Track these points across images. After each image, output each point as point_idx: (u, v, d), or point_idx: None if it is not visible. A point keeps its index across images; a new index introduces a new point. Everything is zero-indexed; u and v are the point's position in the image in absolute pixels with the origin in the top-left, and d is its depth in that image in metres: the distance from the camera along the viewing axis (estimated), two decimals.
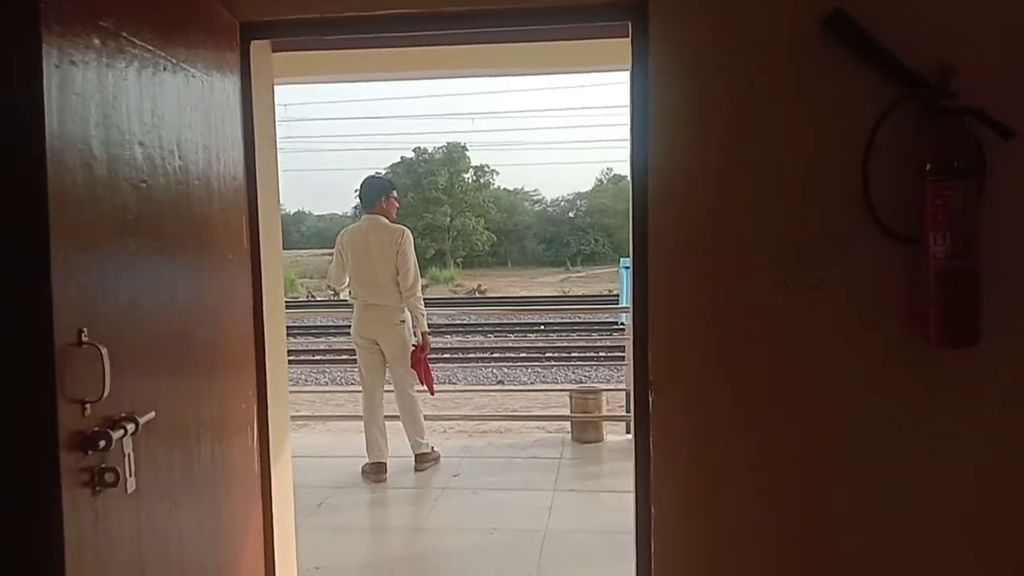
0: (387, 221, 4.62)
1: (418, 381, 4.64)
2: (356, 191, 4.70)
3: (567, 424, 5.58)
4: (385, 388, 4.73)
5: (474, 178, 43.36)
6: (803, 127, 2.03)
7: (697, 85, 2.07)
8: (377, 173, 4.97)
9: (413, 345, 4.61)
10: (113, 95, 1.56)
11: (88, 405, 1.43)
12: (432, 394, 4.86)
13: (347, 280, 4.69)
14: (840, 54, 1.98)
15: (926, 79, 1.94)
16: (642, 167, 2.12)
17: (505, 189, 46.44)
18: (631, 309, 2.25)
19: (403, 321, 4.59)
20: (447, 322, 16.68)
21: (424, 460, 4.71)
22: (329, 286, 4.97)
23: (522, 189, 48.14)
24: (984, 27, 1.97)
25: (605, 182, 45.34)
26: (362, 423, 4.68)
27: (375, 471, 4.56)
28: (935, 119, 1.93)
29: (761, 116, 2.05)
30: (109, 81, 1.54)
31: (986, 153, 1.95)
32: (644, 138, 2.11)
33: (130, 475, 1.56)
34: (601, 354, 12.94)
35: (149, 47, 1.70)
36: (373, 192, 4.68)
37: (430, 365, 4.74)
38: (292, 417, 4.82)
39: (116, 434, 1.48)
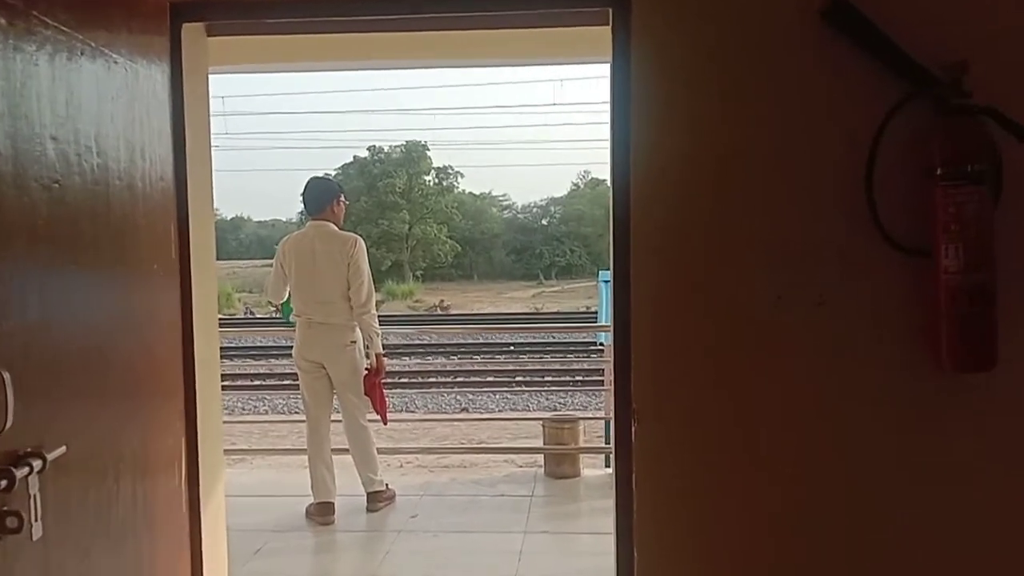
0: (336, 228, 4.59)
1: (371, 409, 4.60)
2: (301, 194, 4.66)
3: (539, 457, 5.57)
4: (333, 418, 4.68)
5: (436, 181, 43.40)
6: (802, 128, 2.06)
7: (685, 80, 2.09)
8: (326, 174, 4.93)
9: (366, 369, 4.57)
10: (21, 82, 1.52)
11: None
12: (385, 423, 4.82)
13: (287, 295, 4.63)
14: (842, 48, 2.01)
15: (936, 75, 1.97)
16: (623, 170, 2.13)
17: (471, 193, 46.59)
18: (611, 328, 2.26)
19: (354, 342, 4.55)
20: (405, 342, 16.60)
21: (377, 499, 4.66)
22: (269, 301, 4.89)
23: (490, 193, 48.34)
24: (999, 20, 2.01)
25: (582, 186, 45.73)
26: (306, 458, 4.62)
27: (321, 512, 4.49)
28: (946, 119, 1.96)
29: (755, 115, 2.07)
30: (17, 66, 1.51)
31: (1002, 157, 1.98)
32: (626, 138, 2.12)
33: (36, 519, 1.51)
34: (578, 378, 12.98)
35: (64, 28, 1.67)
36: (321, 195, 4.63)
37: (385, 391, 4.70)
38: (227, 451, 4.75)
39: (20, 472, 1.44)
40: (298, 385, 4.72)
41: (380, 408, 4.62)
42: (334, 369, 4.54)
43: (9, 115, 1.48)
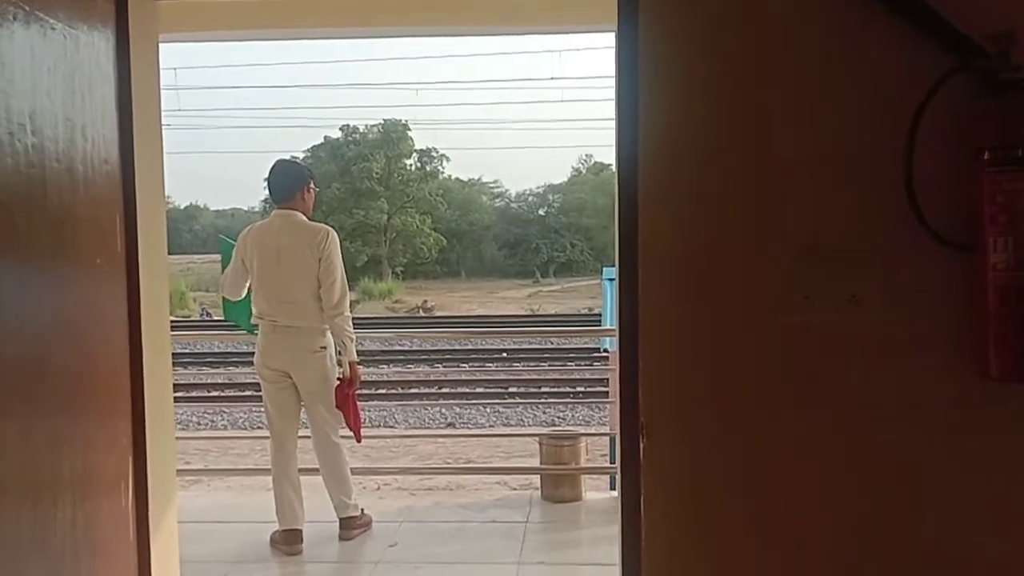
0: (305, 219, 4.57)
1: (343, 424, 4.59)
2: (265, 179, 4.65)
3: (536, 479, 5.58)
4: (300, 433, 4.67)
5: (418, 165, 43.40)
6: (833, 107, 2.06)
7: (701, 53, 2.08)
8: (293, 157, 4.92)
9: (338, 379, 4.55)
10: None
11: None
12: (359, 441, 4.81)
13: (245, 292, 4.61)
14: (877, 16, 2.02)
15: (982, 47, 1.97)
16: (630, 154, 2.13)
17: (458, 179, 46.64)
18: (617, 332, 2.26)
19: (324, 348, 4.53)
20: (383, 348, 16.65)
21: (351, 526, 4.66)
22: (224, 298, 4.84)
23: (479, 180, 48.37)
24: None
25: (584, 171, 45.84)
26: (270, 479, 4.61)
27: (287, 540, 4.49)
28: (994, 96, 1.96)
29: (780, 93, 2.07)
30: None
31: None
32: (633, 118, 2.12)
33: None
34: (579, 389, 13.04)
35: None
36: (289, 180, 4.62)
37: (360, 404, 4.69)
38: (180, 471, 4.74)
39: None
40: (261, 396, 4.71)
41: (354, 424, 4.60)
42: (302, 378, 4.52)
43: None
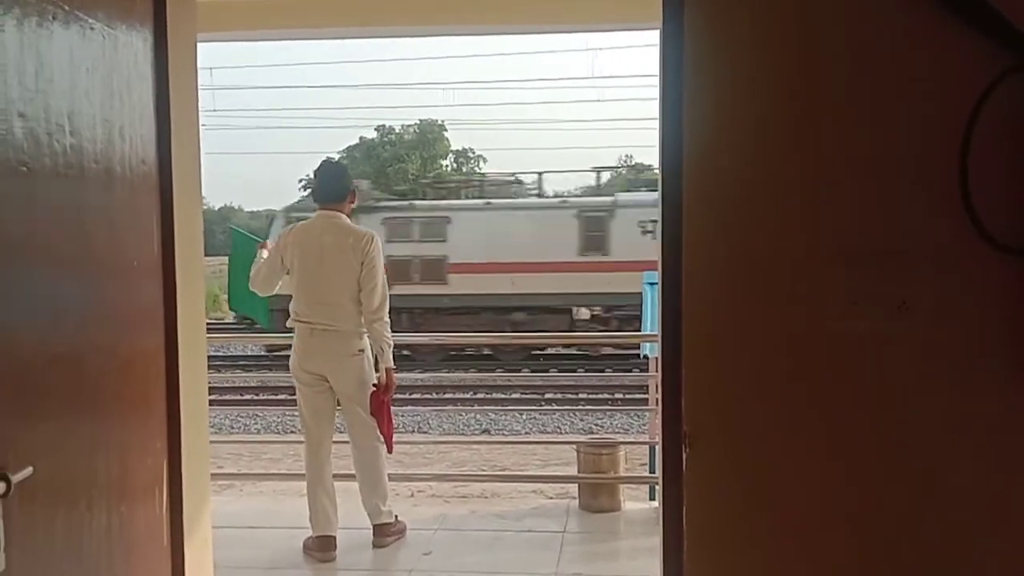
0: (349, 222, 4.59)
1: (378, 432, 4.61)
2: (306, 178, 4.72)
3: (573, 488, 5.56)
4: (336, 438, 4.69)
5: (455, 165, 43.50)
6: (886, 106, 2.03)
7: (749, 49, 2.07)
8: (329, 159, 4.93)
9: (373, 385, 4.57)
10: None
11: None
12: (390, 451, 4.80)
13: (276, 288, 4.64)
14: (933, 13, 1.99)
15: None
16: (675, 154, 2.12)
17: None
18: (659, 337, 2.25)
19: (361, 351, 4.56)
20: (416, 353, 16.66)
21: (385, 532, 4.67)
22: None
23: (516, 180, 48.28)
24: None
25: (624, 172, 45.58)
26: (304, 484, 4.64)
27: (321, 547, 4.51)
28: None
29: (830, 91, 2.05)
30: None
31: None
32: (678, 117, 2.11)
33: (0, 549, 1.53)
34: (617, 395, 12.99)
35: None
36: (338, 182, 4.65)
37: (392, 412, 4.70)
38: (213, 475, 4.78)
39: None
40: (292, 401, 4.72)
41: (386, 432, 4.60)
42: (339, 381, 4.54)
43: None
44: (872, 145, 2.04)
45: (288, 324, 4.60)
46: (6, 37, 1.61)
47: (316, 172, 4.69)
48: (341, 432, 4.71)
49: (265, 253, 4.72)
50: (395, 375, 4.61)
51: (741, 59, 2.07)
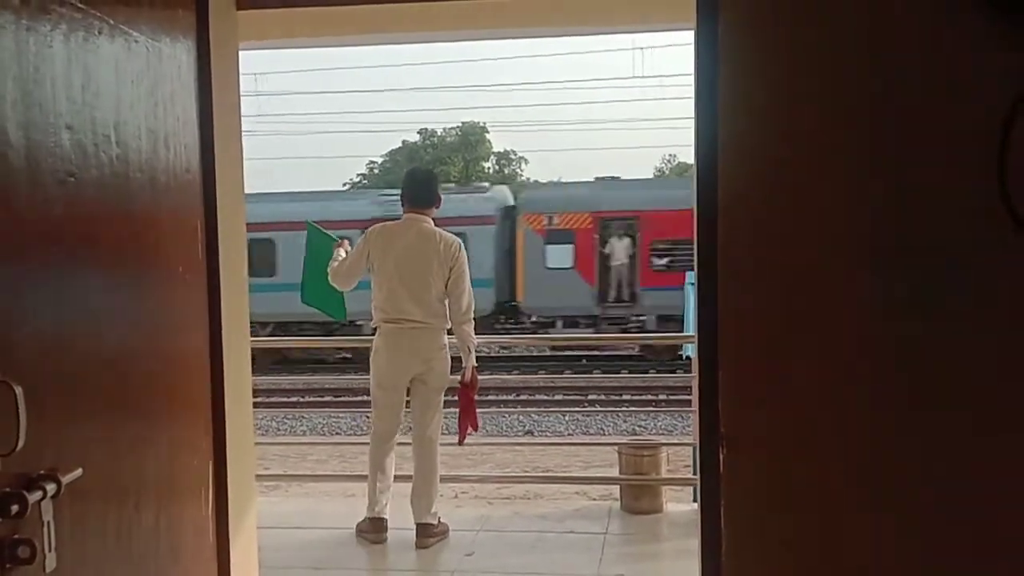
0: (435, 226, 4.74)
1: (470, 427, 4.86)
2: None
3: (615, 489, 5.56)
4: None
5: (497, 167, 43.59)
6: (922, 104, 2.02)
7: (784, 49, 2.07)
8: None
9: (460, 383, 4.75)
10: (35, 67, 1.60)
11: None
12: (460, 442, 5.02)
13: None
14: (967, 8, 1.97)
15: None
16: (710, 155, 2.13)
17: (537, 181, 46.56)
18: (696, 338, 2.25)
19: (443, 347, 4.77)
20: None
21: (428, 533, 4.73)
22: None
23: (559, 181, 48.22)
24: None
25: (667, 172, 45.32)
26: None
27: (374, 528, 4.68)
28: None
29: (866, 90, 2.04)
30: (30, 49, 1.58)
31: None
32: (712, 117, 2.11)
33: (49, 549, 1.57)
34: (661, 396, 12.92)
35: (80, 5, 1.74)
36: (431, 186, 4.88)
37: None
38: (260, 476, 4.86)
39: (33, 496, 1.50)
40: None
41: (473, 425, 4.88)
42: (429, 376, 4.71)
43: (22, 103, 1.56)
44: (909, 145, 2.03)
45: (373, 325, 4.73)
46: (54, 52, 1.66)
47: (407, 178, 4.91)
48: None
49: (343, 252, 4.91)
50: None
51: (774, 63, 2.07)
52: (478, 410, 4.93)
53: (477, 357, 4.88)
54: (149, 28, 2.04)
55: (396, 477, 4.82)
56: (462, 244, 4.78)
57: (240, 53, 2.75)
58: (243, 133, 2.78)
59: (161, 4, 2.12)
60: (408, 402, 4.80)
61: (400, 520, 4.74)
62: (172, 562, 2.11)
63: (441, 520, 4.83)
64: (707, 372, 2.18)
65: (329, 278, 4.85)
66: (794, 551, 2.11)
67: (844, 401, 2.07)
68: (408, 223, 4.74)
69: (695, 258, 2.22)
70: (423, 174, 5.00)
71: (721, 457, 2.13)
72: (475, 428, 4.89)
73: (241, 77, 2.78)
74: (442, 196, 4.91)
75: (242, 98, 2.78)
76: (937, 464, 2.05)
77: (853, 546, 2.08)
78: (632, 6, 3.13)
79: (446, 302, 4.71)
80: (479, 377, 4.90)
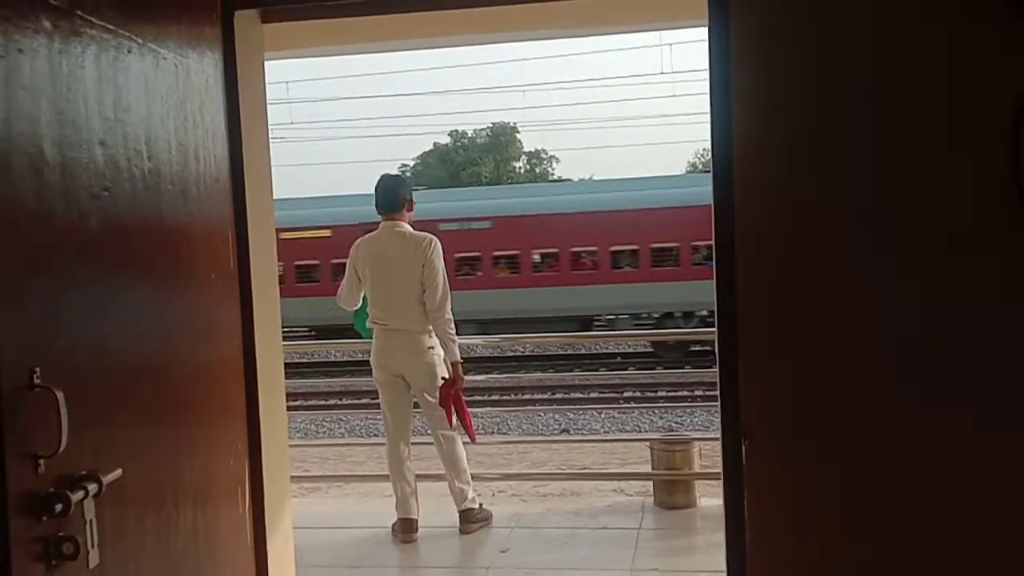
0: (410, 228, 4.81)
1: (453, 426, 4.79)
2: (375, 191, 4.91)
3: (649, 485, 5.57)
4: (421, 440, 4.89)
5: (527, 167, 43.59)
6: (937, 96, 2.03)
7: (795, 46, 2.09)
8: (403, 166, 5.15)
9: (442, 379, 4.75)
10: (68, 87, 1.67)
11: (42, 461, 1.52)
12: (474, 441, 4.98)
13: (360, 301, 4.88)
14: (979, 5, 1.98)
15: None
16: (725, 149, 2.15)
17: (568, 180, 46.46)
18: (716, 331, 2.27)
19: (431, 348, 4.78)
20: (493, 354, 16.73)
21: (470, 519, 4.82)
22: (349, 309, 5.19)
23: (591, 179, 48.07)
24: None
25: (700, 167, 45.01)
26: (387, 485, 4.82)
27: (404, 529, 4.77)
28: None
29: (881, 85, 2.05)
30: (63, 70, 1.65)
31: None
32: (727, 113, 2.14)
33: (92, 546, 1.64)
34: (696, 393, 12.86)
35: (109, 26, 1.81)
36: (397, 192, 4.89)
37: (469, 409, 4.87)
38: (299, 478, 4.92)
39: (75, 496, 1.56)
40: (375, 405, 4.96)
41: (464, 422, 4.83)
42: (413, 377, 4.79)
43: (56, 122, 1.63)
44: (924, 137, 2.04)
45: (368, 326, 4.84)
46: (86, 73, 1.73)
47: (376, 186, 4.93)
48: (426, 433, 4.92)
49: None
50: (462, 369, 4.82)
51: (784, 61, 2.09)
52: (470, 410, 4.90)
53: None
54: (176, 45, 2.11)
55: (424, 476, 4.89)
56: (434, 241, 4.79)
57: (270, 62, 2.81)
58: (273, 140, 2.84)
59: (188, 21, 2.18)
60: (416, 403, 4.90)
61: (437, 518, 4.81)
62: (209, 560, 2.17)
63: (483, 507, 4.92)
64: (727, 365, 2.20)
65: (336, 300, 5.01)
66: (817, 540, 2.13)
67: (864, 393, 2.09)
68: (382, 230, 4.85)
69: (714, 249, 2.23)
70: (390, 180, 5.01)
71: (743, 450, 2.16)
72: (464, 426, 4.84)
73: (272, 85, 2.85)
74: (413, 199, 4.95)
75: (272, 106, 2.84)
76: (958, 455, 2.06)
77: (875, 536, 2.10)
78: (657, 5, 3.15)
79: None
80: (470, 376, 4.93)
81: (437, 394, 4.75)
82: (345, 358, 17.30)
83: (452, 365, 4.76)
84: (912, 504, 2.09)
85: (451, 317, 4.79)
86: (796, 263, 2.12)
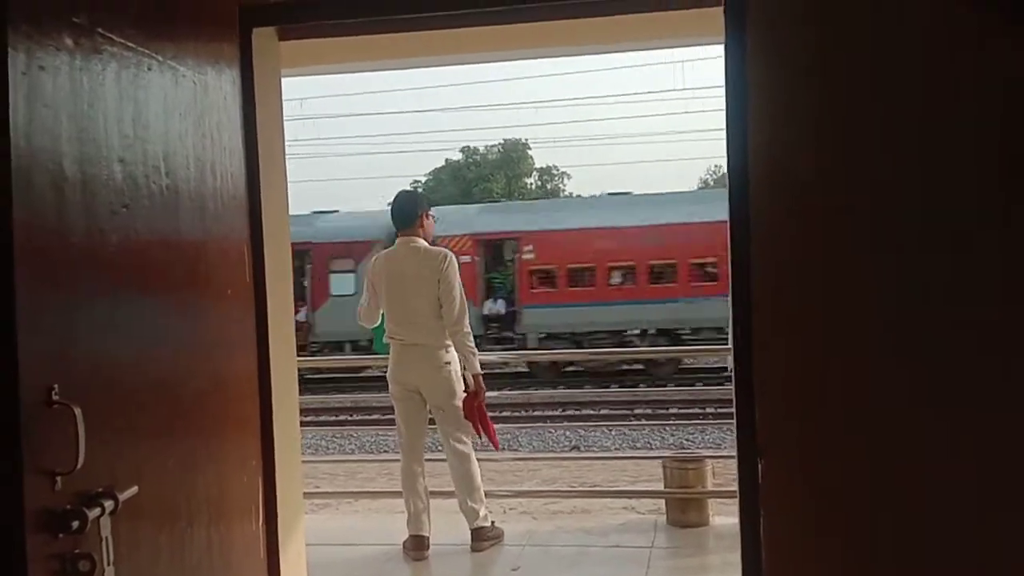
0: (425, 243, 4.82)
1: (475, 434, 4.80)
2: (390, 208, 4.96)
3: (662, 503, 5.54)
4: (434, 457, 4.87)
5: (539, 183, 43.65)
6: (950, 113, 2.03)
7: (811, 63, 2.09)
8: (415, 182, 5.18)
9: (465, 392, 4.75)
10: (88, 103, 1.68)
11: (59, 477, 1.52)
12: (496, 447, 4.98)
13: (380, 319, 4.89)
14: (990, 13, 1.98)
15: None
16: (740, 168, 2.15)
17: (580, 197, 46.51)
18: (731, 350, 2.27)
19: (448, 363, 4.76)
20: (505, 371, 16.73)
21: (482, 537, 4.79)
22: (362, 327, 5.22)
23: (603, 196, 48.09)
24: None
25: (712, 184, 45.03)
26: (398, 502, 4.81)
27: (415, 546, 4.72)
28: None
29: (896, 104, 2.06)
30: (84, 88, 1.66)
31: None
32: (742, 132, 2.14)
33: (108, 563, 1.63)
34: (708, 410, 12.84)
35: (130, 44, 1.83)
36: (411, 208, 4.91)
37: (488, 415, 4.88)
38: (309, 494, 4.92)
39: (92, 513, 1.56)
40: (385, 421, 4.95)
41: (488, 431, 4.84)
42: (430, 392, 4.78)
43: (77, 139, 1.64)
44: (940, 157, 2.04)
45: (384, 341, 4.85)
46: (106, 90, 1.74)
47: (392, 203, 4.96)
48: (438, 450, 4.88)
49: None
50: (482, 380, 4.81)
51: (800, 80, 2.10)
52: (494, 425, 4.90)
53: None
54: (195, 62, 2.12)
55: (437, 493, 4.87)
56: (449, 256, 4.81)
57: (286, 78, 2.83)
58: (288, 156, 2.86)
59: (207, 39, 2.20)
60: (432, 420, 4.88)
61: (448, 535, 4.79)
62: (225, 575, 2.17)
63: (495, 525, 4.90)
64: (742, 382, 2.19)
65: (357, 319, 5.02)
66: (834, 559, 2.11)
67: (881, 407, 2.08)
68: (398, 246, 4.87)
69: (729, 265, 2.23)
70: (404, 196, 5.04)
71: (759, 468, 2.14)
72: (487, 435, 4.84)
73: (286, 102, 2.87)
74: (430, 213, 4.96)
75: (287, 122, 2.86)
76: (976, 465, 2.04)
77: (892, 554, 2.08)
78: (670, 23, 3.16)
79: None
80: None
81: (458, 409, 4.74)
82: (356, 374, 17.34)
83: (474, 377, 4.76)
84: (938, 525, 2.06)
85: (470, 331, 4.79)
86: (812, 280, 2.11)
